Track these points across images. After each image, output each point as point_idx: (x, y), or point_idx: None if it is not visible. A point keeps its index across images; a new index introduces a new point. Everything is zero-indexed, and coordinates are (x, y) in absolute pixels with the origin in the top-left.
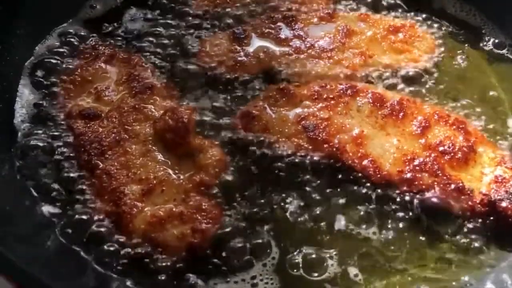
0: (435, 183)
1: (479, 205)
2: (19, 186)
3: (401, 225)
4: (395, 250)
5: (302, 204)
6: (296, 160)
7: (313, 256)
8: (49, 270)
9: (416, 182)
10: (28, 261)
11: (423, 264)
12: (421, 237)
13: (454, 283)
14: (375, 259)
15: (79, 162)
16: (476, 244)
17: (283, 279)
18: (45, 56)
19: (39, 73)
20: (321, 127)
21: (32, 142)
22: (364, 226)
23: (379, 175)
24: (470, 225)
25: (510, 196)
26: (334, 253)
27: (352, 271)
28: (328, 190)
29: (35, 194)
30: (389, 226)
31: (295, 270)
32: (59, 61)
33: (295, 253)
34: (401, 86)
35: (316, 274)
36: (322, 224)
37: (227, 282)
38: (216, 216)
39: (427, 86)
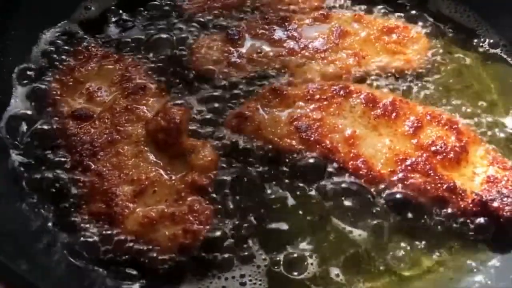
0: (427, 183)
1: (471, 205)
2: (12, 188)
3: (389, 226)
4: (382, 251)
5: (292, 204)
6: (288, 161)
7: (295, 255)
8: (40, 271)
9: (408, 182)
10: (22, 266)
11: (411, 266)
12: (409, 239)
13: (442, 284)
14: (360, 259)
15: (71, 163)
16: (466, 245)
17: (271, 278)
18: (39, 57)
19: (32, 73)
20: (314, 127)
21: (24, 142)
22: (352, 226)
23: (371, 175)
24: (460, 226)
25: (502, 196)
26: (319, 252)
27: (334, 271)
28: (319, 191)
29: (28, 195)
30: (378, 226)
31: (283, 270)
32: (52, 62)
33: (282, 252)
34: (394, 86)
35: (303, 275)
36: (311, 223)
37: (218, 278)
38: (208, 217)
39: (420, 86)
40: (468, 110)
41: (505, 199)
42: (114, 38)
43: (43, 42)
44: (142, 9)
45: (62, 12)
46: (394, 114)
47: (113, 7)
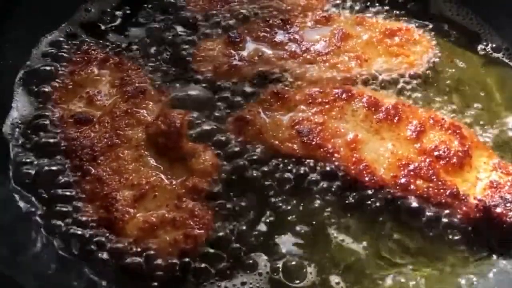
0: (430, 188)
1: (473, 211)
2: (11, 193)
3: (391, 232)
4: (383, 259)
5: (292, 210)
6: (290, 166)
7: (294, 263)
8: (37, 278)
9: (411, 188)
10: (19, 270)
11: (413, 273)
12: (411, 246)
13: None
14: (361, 267)
15: (71, 168)
16: (470, 252)
17: (271, 286)
18: (39, 60)
19: (32, 77)
20: (316, 131)
21: (24, 146)
22: (353, 233)
23: (373, 180)
24: (463, 232)
25: (505, 201)
26: (318, 260)
27: (334, 279)
28: (320, 197)
29: (27, 200)
30: (379, 233)
31: (282, 278)
32: (52, 65)
33: (281, 260)
34: (396, 90)
35: (302, 283)
36: (311, 231)
37: (218, 287)
38: (208, 222)
39: (422, 90)
40: (471, 114)
41: (508, 204)
42: (114, 40)
43: (43, 45)
44: (142, 11)
45: (62, 14)
46: (396, 118)
47: (113, 10)
